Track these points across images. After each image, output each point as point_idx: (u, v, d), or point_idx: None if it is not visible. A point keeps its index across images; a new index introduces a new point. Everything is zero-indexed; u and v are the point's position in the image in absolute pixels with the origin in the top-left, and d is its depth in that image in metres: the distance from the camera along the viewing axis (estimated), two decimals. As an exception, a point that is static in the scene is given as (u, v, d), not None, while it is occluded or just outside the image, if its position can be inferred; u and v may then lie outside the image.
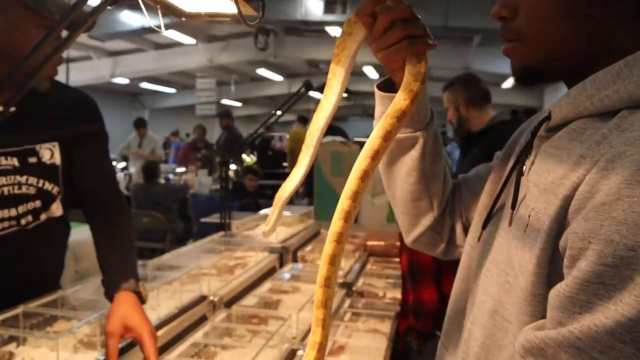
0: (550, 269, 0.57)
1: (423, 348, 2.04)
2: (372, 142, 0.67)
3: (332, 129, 4.56)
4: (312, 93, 2.86)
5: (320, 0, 7.72)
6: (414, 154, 0.84)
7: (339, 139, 3.73)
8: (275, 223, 0.75)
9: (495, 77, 10.99)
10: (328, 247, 0.65)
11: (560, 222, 0.56)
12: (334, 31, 8.80)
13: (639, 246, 0.47)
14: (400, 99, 0.68)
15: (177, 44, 10.35)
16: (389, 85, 0.83)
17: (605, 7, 0.61)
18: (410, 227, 0.92)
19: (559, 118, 0.64)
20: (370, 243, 2.72)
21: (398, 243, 2.70)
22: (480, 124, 2.64)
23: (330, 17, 7.72)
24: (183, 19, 0.88)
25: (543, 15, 0.64)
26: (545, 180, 0.62)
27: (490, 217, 0.77)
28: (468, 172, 0.96)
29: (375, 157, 0.66)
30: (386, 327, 1.91)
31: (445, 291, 1.99)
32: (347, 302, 2.02)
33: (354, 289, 2.17)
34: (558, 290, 0.53)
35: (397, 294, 2.19)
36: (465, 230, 0.89)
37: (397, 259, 2.57)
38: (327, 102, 0.75)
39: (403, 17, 0.70)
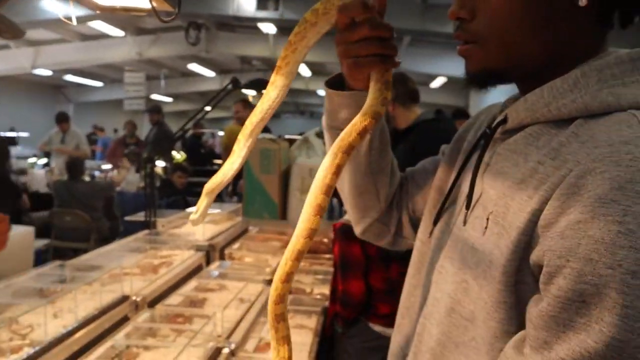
0: (517, 278, 0.58)
1: (348, 332, 2.11)
2: (323, 176, 0.65)
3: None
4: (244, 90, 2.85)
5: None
6: (361, 149, 0.84)
7: (269, 135, 3.72)
8: (204, 212, 0.72)
9: (424, 77, 11.31)
10: (299, 243, 0.63)
11: (529, 235, 0.56)
12: (267, 28, 8.76)
13: (617, 265, 0.48)
14: (362, 120, 0.66)
15: (105, 36, 9.95)
16: (337, 84, 0.81)
17: (567, 15, 0.62)
18: (359, 219, 0.93)
19: (515, 122, 0.65)
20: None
21: (326, 240, 2.75)
22: (406, 122, 2.69)
23: (262, 14, 7.68)
24: (97, 11, 0.85)
25: (505, 19, 0.63)
26: (502, 185, 0.63)
27: (441, 214, 0.78)
28: None
29: (328, 192, 0.64)
30: (312, 322, 1.94)
31: (372, 284, 2.06)
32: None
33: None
34: (540, 310, 0.53)
35: (325, 290, 2.23)
36: (412, 222, 0.91)
37: (327, 255, 2.62)
38: (274, 90, 0.72)
39: (384, 37, 0.68)
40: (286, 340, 0.66)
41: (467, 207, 0.68)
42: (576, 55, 0.63)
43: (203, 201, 0.72)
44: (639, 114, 0.55)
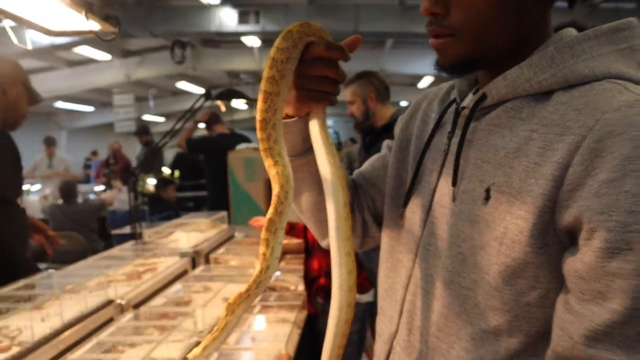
0: (545, 240, 0.63)
1: (327, 307, 2.22)
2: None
3: (237, 136, 4.65)
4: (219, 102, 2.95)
5: (234, 10, 7.82)
6: (311, 169, 0.86)
7: (252, 145, 3.83)
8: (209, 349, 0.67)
9: (410, 78, 11.44)
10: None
11: (553, 200, 0.61)
12: (250, 41, 8.91)
13: None
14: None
15: (92, 61, 10.11)
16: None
17: (533, 7, 0.70)
18: (322, 233, 0.95)
19: (495, 98, 0.71)
20: (284, 241, 2.84)
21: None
22: (383, 118, 2.73)
23: (244, 28, 7.83)
24: (51, 35, 0.97)
25: (480, 12, 0.68)
26: (495, 156, 0.68)
27: (410, 196, 0.83)
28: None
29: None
30: (293, 315, 2.04)
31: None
32: (259, 296, 2.13)
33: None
34: (587, 264, 0.58)
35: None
36: (376, 219, 0.95)
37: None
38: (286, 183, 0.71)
39: (340, 81, 0.76)
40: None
41: (454, 184, 0.73)
42: (537, 36, 0.72)
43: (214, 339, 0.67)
44: (620, 82, 0.64)
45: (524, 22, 0.70)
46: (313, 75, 0.74)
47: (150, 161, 4.48)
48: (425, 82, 11.85)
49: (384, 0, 7.65)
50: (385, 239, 0.89)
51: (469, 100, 0.79)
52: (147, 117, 13.88)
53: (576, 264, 0.59)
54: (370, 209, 0.96)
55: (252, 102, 3.49)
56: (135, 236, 2.60)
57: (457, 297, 0.71)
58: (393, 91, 2.88)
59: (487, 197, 0.68)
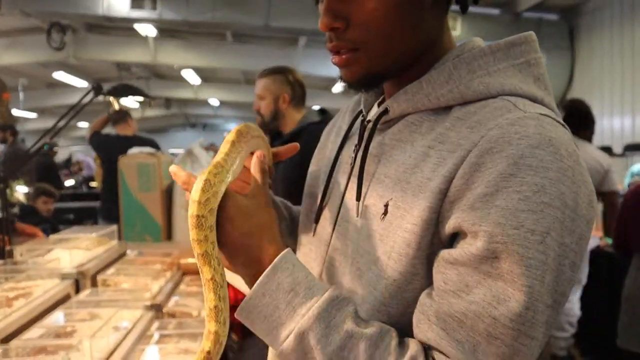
0: (429, 251, 0.71)
1: (245, 343, 2.17)
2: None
3: (141, 140, 4.50)
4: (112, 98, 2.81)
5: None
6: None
7: (147, 150, 3.69)
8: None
9: (324, 81, 11.62)
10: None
11: (437, 212, 0.70)
12: (145, 30, 8.65)
13: (520, 226, 0.63)
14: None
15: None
16: None
17: (432, 10, 0.77)
18: None
19: (397, 112, 0.79)
20: (184, 261, 2.76)
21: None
22: (292, 123, 2.68)
23: (138, 14, 7.58)
24: None
25: (381, 22, 0.74)
26: (396, 171, 0.76)
27: (320, 213, 0.92)
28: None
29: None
30: (197, 345, 1.97)
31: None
32: (156, 324, 2.04)
33: (164, 310, 2.20)
34: (458, 265, 0.67)
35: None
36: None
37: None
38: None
39: None
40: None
41: (358, 199, 0.80)
42: (438, 46, 0.80)
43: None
44: (512, 99, 0.72)
45: (422, 33, 0.77)
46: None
47: (19, 165, 4.19)
48: (340, 86, 12.07)
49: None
50: (300, 256, 0.96)
51: (373, 113, 0.88)
52: (15, 112, 13.03)
53: (448, 258, 0.69)
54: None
55: (149, 100, 3.34)
56: (3, 254, 2.41)
57: None
58: (306, 94, 2.81)
59: (385, 212, 0.75)
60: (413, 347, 0.69)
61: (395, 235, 0.73)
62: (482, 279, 0.65)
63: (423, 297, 0.71)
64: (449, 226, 0.69)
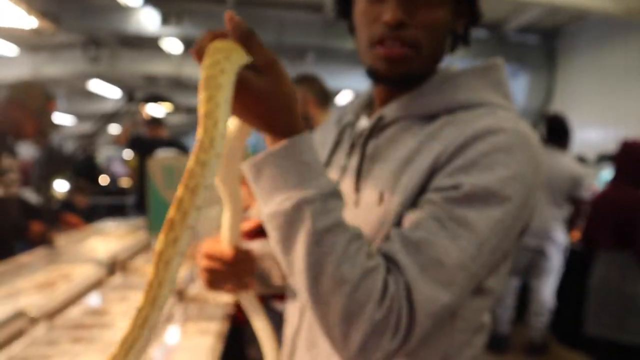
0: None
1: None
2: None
3: (169, 142, 4.54)
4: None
5: (156, 11, 7.58)
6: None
7: (172, 152, 3.73)
8: None
9: (332, 93, 11.59)
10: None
11: (424, 185, 0.75)
12: (170, 46, 8.69)
13: (489, 187, 0.70)
14: None
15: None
16: None
17: (448, 33, 0.83)
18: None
19: (391, 118, 0.84)
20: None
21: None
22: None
23: (165, 30, 7.62)
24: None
25: (438, 31, 0.80)
26: (392, 165, 0.79)
27: None
28: None
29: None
30: (215, 326, 2.01)
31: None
32: (178, 307, 2.08)
33: (185, 295, 2.25)
34: (433, 203, 0.72)
35: (226, 298, 2.31)
36: None
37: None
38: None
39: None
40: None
41: (357, 190, 0.83)
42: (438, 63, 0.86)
43: None
44: (491, 107, 0.79)
45: (444, 49, 0.84)
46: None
47: (62, 165, 4.24)
48: (343, 97, 12.07)
49: (308, 14, 7.77)
50: None
51: (365, 121, 0.90)
52: (57, 118, 13.05)
53: (420, 205, 0.73)
54: None
55: (177, 108, 3.38)
56: (47, 242, 2.45)
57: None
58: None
59: (382, 199, 0.78)
60: (378, 257, 0.70)
61: (392, 217, 0.76)
62: (443, 224, 0.70)
63: (393, 231, 0.73)
64: (429, 191, 0.74)
